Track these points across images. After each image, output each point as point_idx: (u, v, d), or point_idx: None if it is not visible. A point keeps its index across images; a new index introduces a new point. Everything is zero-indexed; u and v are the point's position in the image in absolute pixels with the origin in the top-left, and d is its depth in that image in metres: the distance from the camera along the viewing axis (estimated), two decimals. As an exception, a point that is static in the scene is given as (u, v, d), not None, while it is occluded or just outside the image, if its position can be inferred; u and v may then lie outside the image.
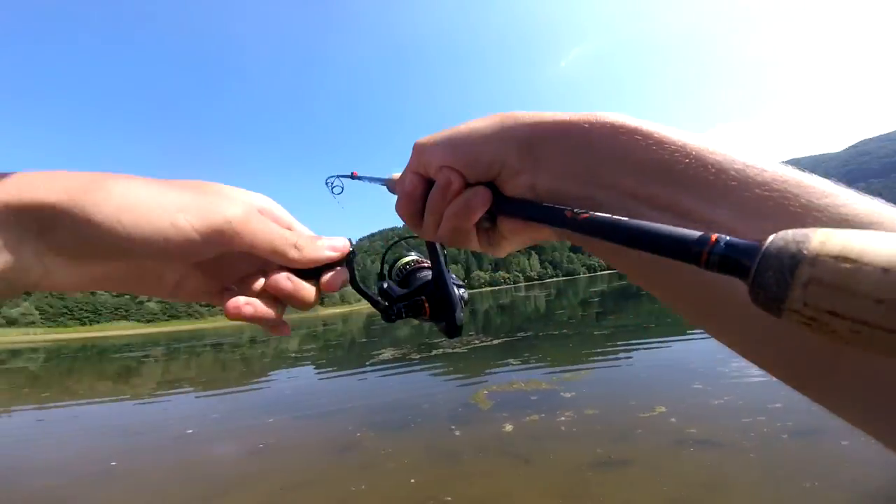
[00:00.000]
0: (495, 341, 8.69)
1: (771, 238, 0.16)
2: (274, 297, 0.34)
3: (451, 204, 0.33)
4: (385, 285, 0.45)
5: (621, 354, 5.98)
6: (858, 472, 2.16)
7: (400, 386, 5.75)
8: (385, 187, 0.47)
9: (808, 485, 2.10)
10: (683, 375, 4.32)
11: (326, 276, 0.35)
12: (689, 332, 6.77)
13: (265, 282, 0.34)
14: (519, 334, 9.65)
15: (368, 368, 7.54)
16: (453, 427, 3.56)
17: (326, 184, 0.85)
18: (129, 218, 0.26)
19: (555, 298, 23.44)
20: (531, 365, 5.74)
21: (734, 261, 0.17)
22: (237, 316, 0.32)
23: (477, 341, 8.82)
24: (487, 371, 5.77)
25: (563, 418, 3.41)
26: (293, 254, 0.33)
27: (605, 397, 3.88)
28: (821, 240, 0.14)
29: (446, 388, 5.14)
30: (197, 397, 6.70)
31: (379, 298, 0.41)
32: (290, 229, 0.35)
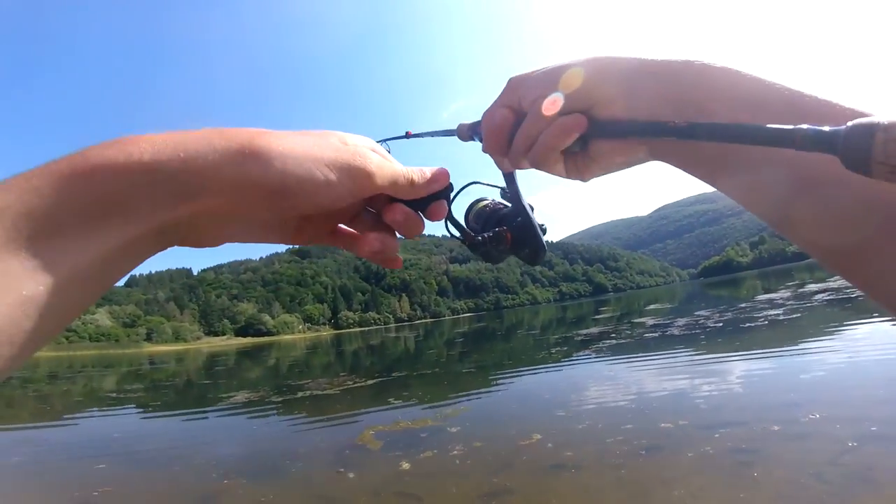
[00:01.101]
0: (368, 382, 8.47)
1: (849, 123, 0.21)
2: (388, 230, 0.36)
3: (547, 129, 0.35)
4: (471, 215, 0.48)
5: (491, 388, 6.42)
6: (705, 480, 2.66)
7: (265, 430, 5.25)
8: (455, 136, 0.49)
9: (676, 492, 2.52)
10: (546, 404, 4.82)
11: (432, 207, 0.37)
12: (536, 365, 7.65)
13: (386, 216, 0.36)
14: (393, 374, 9.59)
15: (219, 411, 6.77)
16: (343, 469, 3.38)
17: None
18: (292, 173, 0.28)
19: (423, 339, 23.85)
20: (411, 403, 5.75)
21: (826, 138, 0.22)
22: (372, 248, 0.35)
23: (349, 382, 8.50)
24: (366, 411, 5.62)
25: (455, 452, 3.51)
26: (409, 189, 0.35)
27: (488, 429, 4.10)
28: (888, 118, 0.20)
29: (324, 431, 4.84)
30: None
31: (467, 229, 0.44)
32: None
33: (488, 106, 0.41)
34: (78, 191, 0.23)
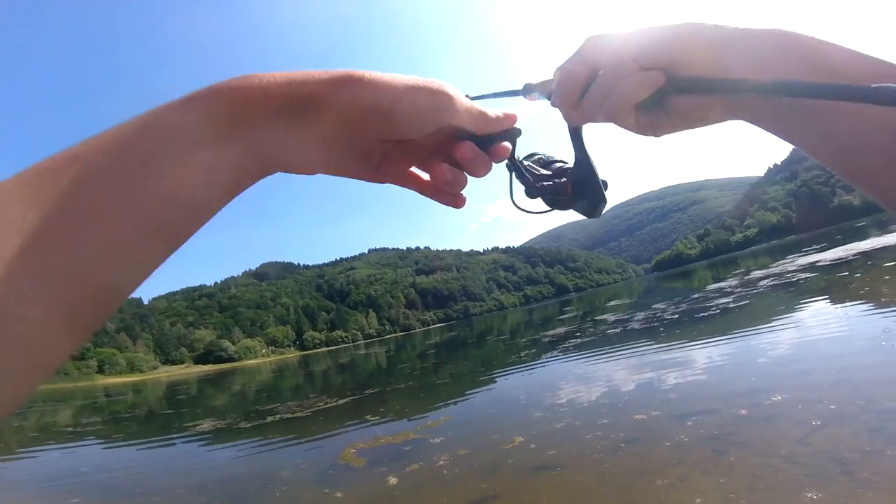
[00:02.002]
0: (341, 401, 8.31)
1: None
2: (455, 168, 0.38)
3: (624, 81, 0.36)
4: (527, 163, 0.46)
5: (467, 396, 6.47)
6: (685, 469, 2.80)
7: (240, 456, 5.07)
8: (520, 97, 0.49)
9: (660, 482, 2.63)
10: (524, 407, 4.90)
11: (498, 147, 0.38)
12: (509, 369, 7.77)
13: (456, 152, 0.37)
14: (366, 391, 9.43)
15: (186, 440, 6.52)
16: (329, 490, 3.31)
17: None
18: (390, 95, 0.31)
19: (395, 353, 23.59)
20: (389, 418, 5.69)
21: None
22: (444, 179, 0.37)
23: (321, 403, 8.31)
24: (343, 430, 5.51)
25: (441, 462, 3.52)
26: (482, 122, 0.37)
27: (471, 436, 4.13)
28: None
29: (303, 452, 4.72)
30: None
31: (527, 175, 0.44)
32: None
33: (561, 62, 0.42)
34: (218, 107, 0.27)
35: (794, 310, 7.53)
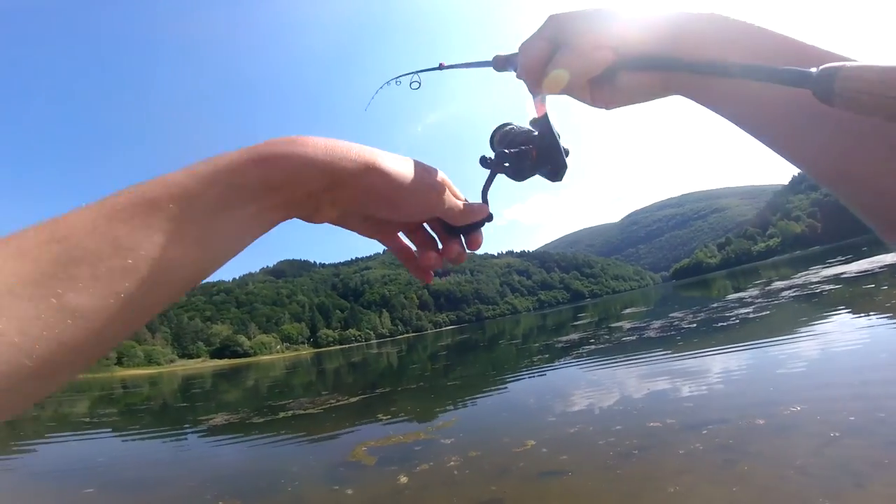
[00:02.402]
0: (352, 399, 8.37)
1: (821, 66, 0.27)
2: (435, 247, 0.46)
3: (580, 58, 0.40)
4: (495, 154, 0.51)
5: (477, 399, 6.45)
6: (697, 477, 2.76)
7: (251, 450, 5.15)
8: (489, 68, 0.53)
9: (671, 490, 2.60)
10: (536, 411, 4.88)
11: (473, 236, 0.45)
12: (520, 374, 7.72)
13: (448, 250, 0.45)
14: (377, 390, 9.49)
15: (199, 434, 6.62)
16: (338, 487, 3.34)
17: (397, 82, 0.86)
18: (401, 187, 0.37)
19: (406, 354, 23.65)
20: (400, 418, 5.72)
21: (804, 76, 0.28)
22: (430, 263, 0.44)
23: (332, 401, 8.38)
24: (354, 428, 5.56)
25: (451, 463, 3.52)
26: (461, 218, 0.43)
27: (482, 439, 4.13)
28: (850, 63, 0.26)
29: (314, 449, 4.78)
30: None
31: (493, 167, 0.47)
32: None
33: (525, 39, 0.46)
34: (265, 171, 0.32)
35: (816, 321, 7.35)
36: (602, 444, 3.45)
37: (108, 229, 0.26)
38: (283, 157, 0.33)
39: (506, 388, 6.97)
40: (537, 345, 13.84)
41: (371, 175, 0.36)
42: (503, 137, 0.50)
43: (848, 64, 0.26)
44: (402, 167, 0.38)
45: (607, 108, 0.45)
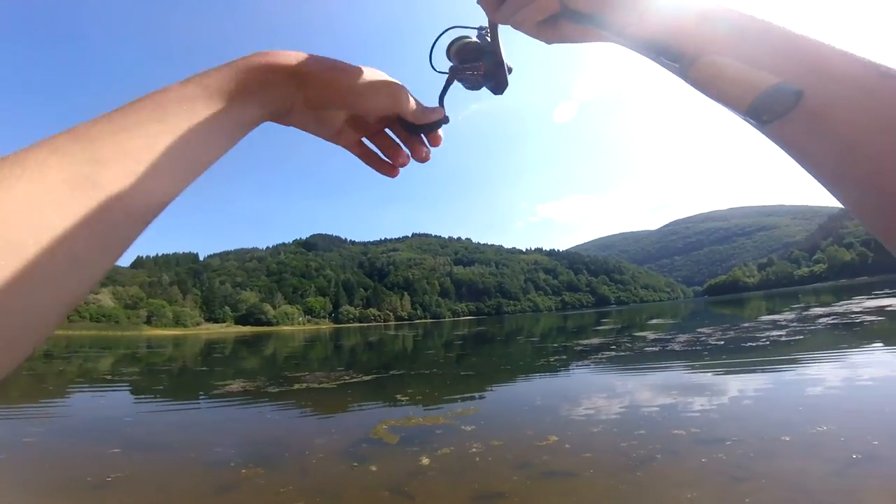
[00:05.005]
0: (366, 378, 8.51)
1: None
2: (398, 146, 0.51)
3: (532, 4, 0.46)
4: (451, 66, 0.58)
5: (496, 391, 6.50)
6: (718, 486, 2.73)
7: (271, 419, 5.30)
8: None
9: (689, 495, 2.60)
10: (557, 409, 4.86)
11: (433, 135, 0.51)
12: (538, 372, 7.69)
13: (409, 146, 0.51)
14: (391, 371, 9.64)
15: (214, 400, 6.80)
16: (362, 462, 3.46)
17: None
18: (363, 82, 0.42)
19: (422, 338, 23.85)
20: (417, 401, 5.81)
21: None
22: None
23: (346, 377, 8.54)
24: (373, 406, 5.72)
25: (473, 450, 3.60)
26: (421, 116, 0.48)
27: (503, 430, 4.16)
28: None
29: (335, 423, 4.93)
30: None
31: (450, 77, 0.55)
32: None
33: None
34: (251, 76, 0.37)
35: (853, 349, 7.07)
36: (625, 447, 3.45)
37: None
38: (256, 62, 0.38)
39: (524, 383, 6.98)
40: (555, 345, 13.75)
41: (335, 72, 0.42)
42: (459, 50, 0.57)
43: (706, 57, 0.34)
44: (363, 67, 0.44)
45: (548, 42, 0.52)
